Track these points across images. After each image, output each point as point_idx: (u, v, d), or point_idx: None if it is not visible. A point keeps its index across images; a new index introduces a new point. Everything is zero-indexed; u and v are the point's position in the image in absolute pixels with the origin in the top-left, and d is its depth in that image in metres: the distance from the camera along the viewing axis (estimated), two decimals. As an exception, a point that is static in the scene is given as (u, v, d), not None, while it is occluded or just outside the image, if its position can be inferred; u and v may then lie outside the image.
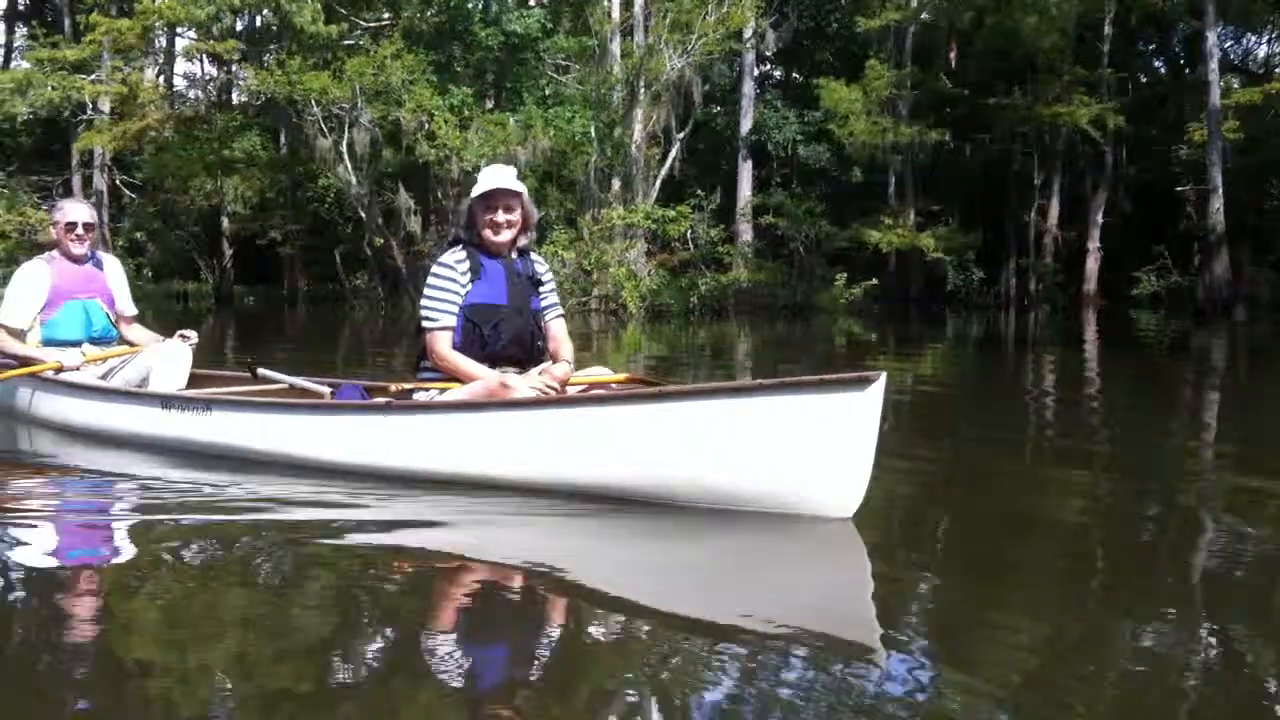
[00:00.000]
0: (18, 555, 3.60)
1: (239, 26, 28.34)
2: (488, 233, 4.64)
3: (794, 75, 33.41)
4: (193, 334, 6.18)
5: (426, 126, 23.81)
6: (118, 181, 29.43)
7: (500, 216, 4.63)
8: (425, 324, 4.67)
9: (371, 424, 4.63)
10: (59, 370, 5.91)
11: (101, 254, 6.55)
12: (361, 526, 4.05)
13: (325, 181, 26.53)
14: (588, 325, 20.24)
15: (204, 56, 30.89)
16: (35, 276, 6.12)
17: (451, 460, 4.42)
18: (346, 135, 24.72)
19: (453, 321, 4.60)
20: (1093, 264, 27.75)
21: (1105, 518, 4.30)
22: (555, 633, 2.96)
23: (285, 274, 30.23)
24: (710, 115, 29.18)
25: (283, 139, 27.12)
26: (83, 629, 2.94)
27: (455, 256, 4.65)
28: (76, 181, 30.59)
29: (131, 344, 6.36)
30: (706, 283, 25.04)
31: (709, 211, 26.70)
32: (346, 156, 24.84)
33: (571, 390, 4.65)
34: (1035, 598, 3.27)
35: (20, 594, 3.21)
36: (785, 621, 2.90)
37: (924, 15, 28.37)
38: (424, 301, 4.68)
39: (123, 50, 27.30)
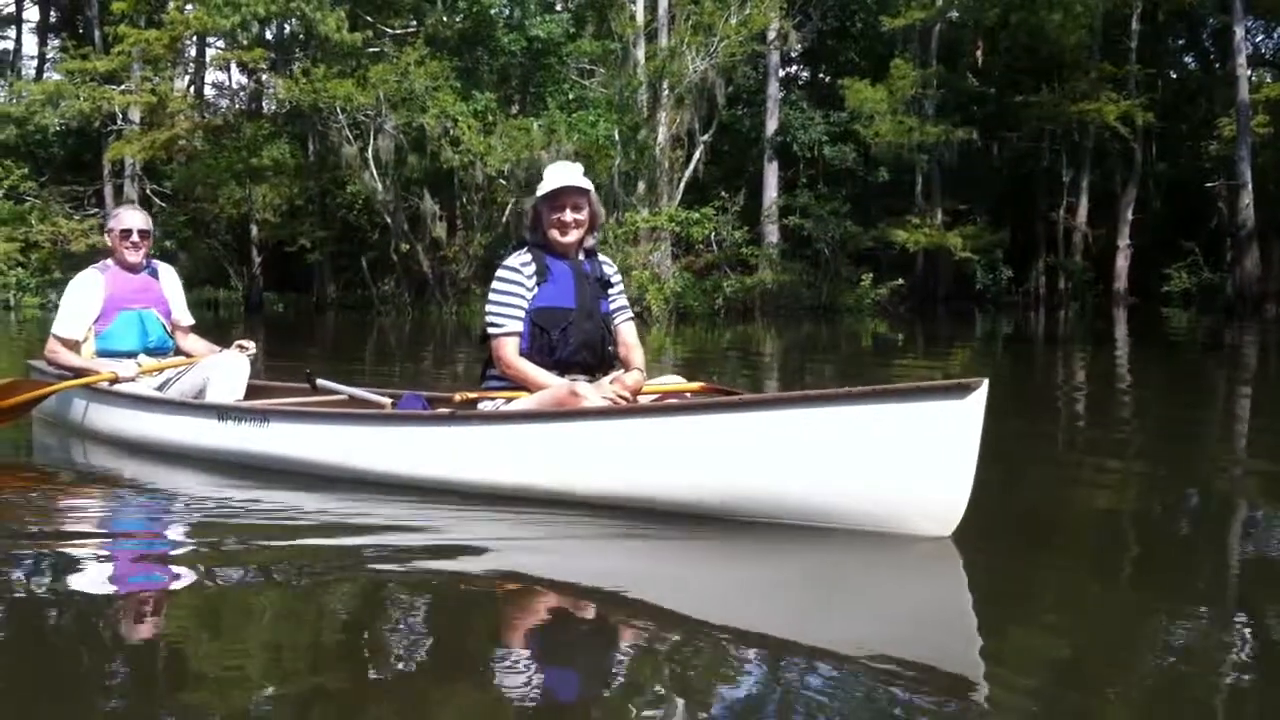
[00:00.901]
0: (70, 571, 3.51)
1: (268, 35, 28.58)
2: (554, 233, 4.44)
3: (820, 76, 33.32)
4: (251, 344, 6.01)
5: (451, 132, 23.90)
6: (148, 191, 29.70)
7: (568, 216, 4.43)
8: (490, 330, 4.46)
9: (434, 435, 4.42)
10: (114, 381, 5.73)
11: (157, 262, 6.35)
12: (424, 543, 3.86)
13: (353, 188, 26.68)
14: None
15: (232, 66, 31.16)
16: (89, 286, 5.96)
17: (519, 473, 4.20)
18: (371, 142, 24.84)
19: (519, 327, 4.40)
20: (1122, 261, 27.54)
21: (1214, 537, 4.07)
22: (629, 660, 2.79)
23: (314, 281, 30.41)
24: (735, 117, 29.14)
25: (311, 147, 27.28)
26: (134, 649, 2.85)
27: (520, 259, 4.45)
28: (108, 191, 30.90)
29: (188, 354, 6.20)
30: (731, 284, 25.00)
31: (733, 213, 26.66)
32: (371, 163, 24.97)
33: (644, 399, 4.45)
34: (1161, 637, 2.90)
35: (72, 611, 3.11)
36: (880, 651, 2.69)
37: (952, 14, 28.24)
38: (489, 307, 4.47)
39: (152, 60, 27.56)
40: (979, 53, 29.23)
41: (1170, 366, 12.06)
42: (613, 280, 4.66)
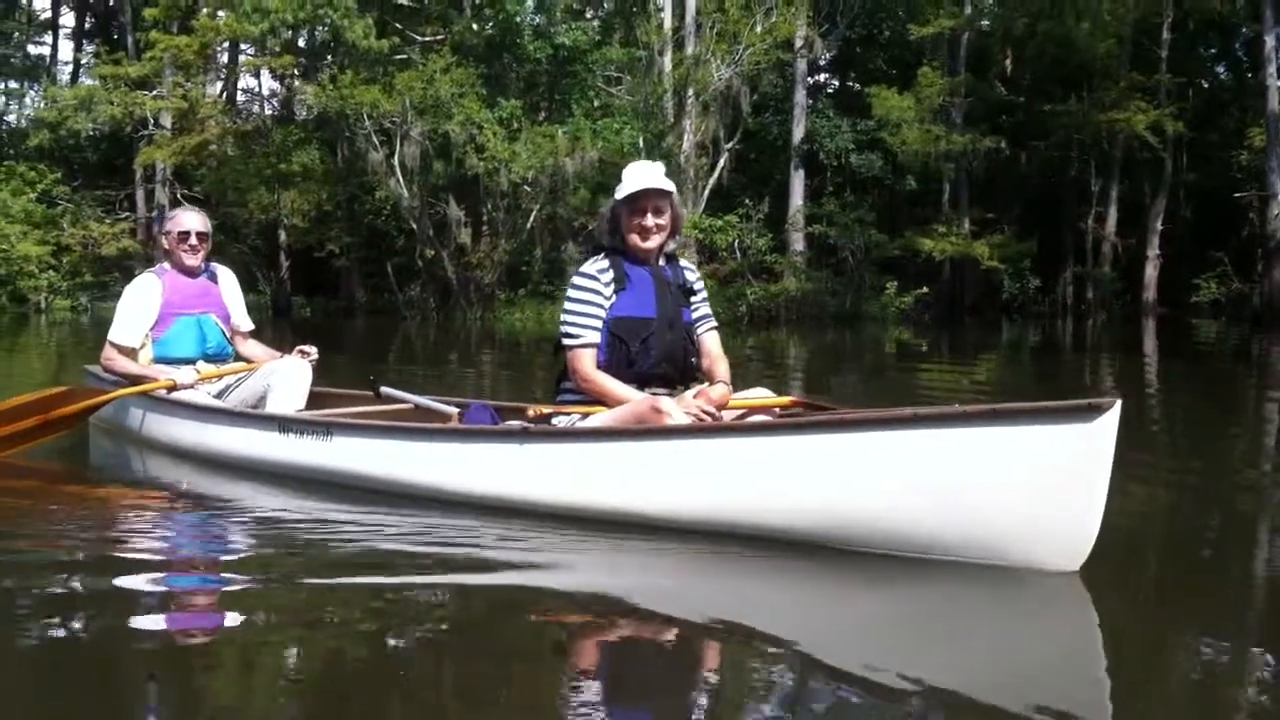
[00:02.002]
0: (124, 586, 3.41)
1: (301, 43, 28.79)
2: (634, 238, 4.20)
3: (848, 83, 33.24)
4: (313, 350, 5.81)
5: (476, 139, 24.00)
6: (179, 195, 29.93)
7: (649, 220, 4.19)
8: (566, 341, 4.23)
9: (506, 453, 4.17)
10: (172, 389, 5.58)
11: (216, 266, 6.17)
12: (493, 566, 3.67)
13: (381, 194, 26.81)
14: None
15: (262, 72, 31.40)
16: (146, 291, 5.79)
17: (596, 495, 3.97)
18: (398, 148, 24.98)
19: (596, 338, 4.17)
20: (1151, 271, 27.32)
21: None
22: (716, 699, 2.59)
23: (342, 286, 30.56)
24: (762, 125, 29.13)
25: (341, 153, 27.45)
26: (187, 668, 2.76)
27: (597, 265, 4.22)
28: (139, 196, 31.14)
29: (248, 361, 6.02)
30: (755, 292, 24.97)
31: (757, 221, 26.64)
32: (398, 169, 25.10)
33: (729, 415, 4.20)
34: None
35: (124, 624, 3.03)
36: (997, 700, 2.49)
37: (983, 23, 28.12)
38: (564, 316, 4.24)
39: (183, 66, 27.81)
40: (1008, 61, 29.10)
41: (1201, 377, 11.95)
42: (695, 287, 4.45)
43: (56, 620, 3.02)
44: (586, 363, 4.17)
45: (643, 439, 3.87)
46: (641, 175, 4.22)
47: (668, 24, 25.32)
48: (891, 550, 3.50)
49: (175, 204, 30.01)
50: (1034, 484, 3.27)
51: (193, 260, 5.86)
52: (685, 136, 24.73)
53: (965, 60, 27.94)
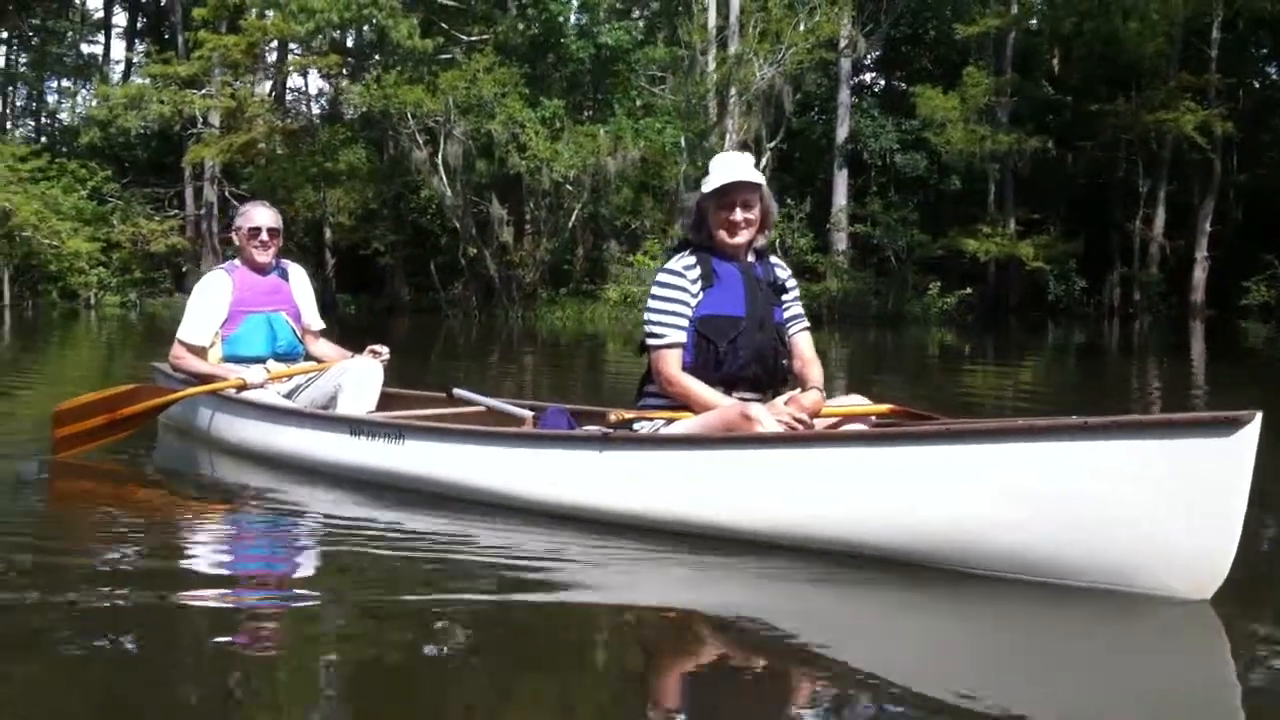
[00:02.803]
0: (187, 590, 3.36)
1: (349, 42, 29.07)
2: (722, 234, 3.98)
3: (893, 83, 33.09)
4: (384, 350, 5.65)
5: (519, 138, 24.13)
6: (227, 193, 30.30)
7: (738, 215, 3.96)
8: (650, 341, 4.01)
9: (585, 459, 3.99)
10: (241, 388, 5.45)
11: (287, 263, 6.01)
12: (568, 579, 3.52)
13: (426, 193, 27.02)
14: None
15: (310, 71, 31.70)
16: (216, 289, 5.67)
17: (680, 506, 3.77)
18: (441, 147, 25.15)
19: (682, 337, 3.96)
20: (1200, 273, 26.96)
21: None
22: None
23: (386, 283, 30.82)
24: (806, 124, 29.04)
25: (388, 151, 27.69)
26: (249, 674, 2.67)
27: (683, 262, 4.02)
28: (188, 193, 31.55)
29: (318, 360, 5.87)
30: (796, 292, 24.90)
31: (799, 220, 26.57)
32: (441, 168, 25.27)
33: (821, 423, 3.95)
34: None
35: (189, 630, 2.99)
36: None
37: (1031, 22, 27.87)
38: (648, 315, 4.03)
39: (231, 65, 28.15)
40: (1055, 61, 28.82)
41: (1248, 380, 11.80)
42: (787, 285, 4.21)
43: (120, 622, 3.00)
44: (672, 364, 3.96)
45: (732, 448, 3.66)
46: (730, 167, 4.00)
47: (712, 23, 25.31)
48: (1001, 572, 3.27)
49: (223, 202, 30.42)
50: (1163, 503, 3.01)
51: (263, 257, 5.72)
52: (727, 136, 24.70)
53: (1011, 59, 27.71)
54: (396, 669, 2.71)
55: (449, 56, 25.82)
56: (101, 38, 40.93)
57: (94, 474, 5.28)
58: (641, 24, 27.86)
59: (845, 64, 27.79)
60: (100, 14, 40.80)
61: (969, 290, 26.00)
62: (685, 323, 3.96)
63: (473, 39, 26.46)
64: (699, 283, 3.98)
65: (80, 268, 28.66)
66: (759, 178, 3.97)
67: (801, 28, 24.17)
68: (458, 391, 5.32)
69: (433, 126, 25.20)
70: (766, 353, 4.01)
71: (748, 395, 3.95)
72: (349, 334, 19.69)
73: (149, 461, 5.81)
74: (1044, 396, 9.86)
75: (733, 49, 24.85)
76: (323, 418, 5.10)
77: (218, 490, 5.10)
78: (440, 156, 25.22)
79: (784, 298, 4.17)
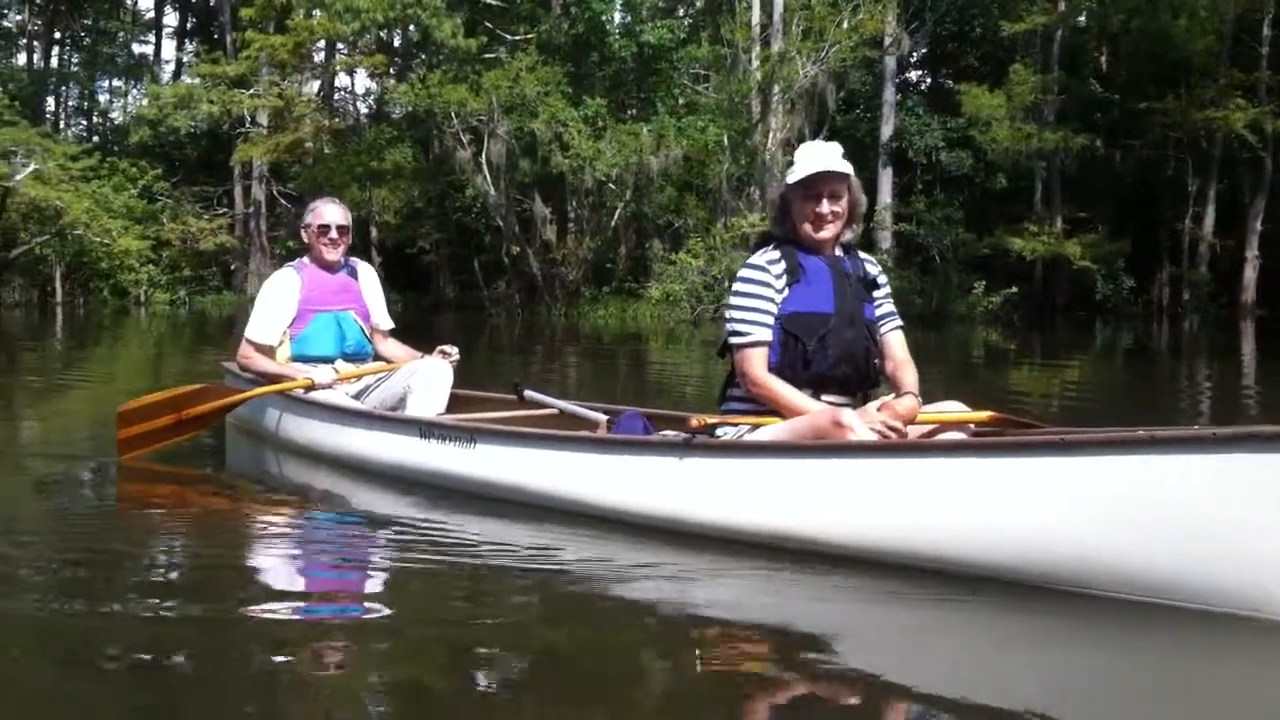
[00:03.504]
0: (250, 598, 3.29)
1: (396, 42, 29.30)
2: (807, 227, 3.80)
3: (939, 81, 32.87)
4: (454, 350, 5.55)
5: (562, 137, 24.23)
6: (275, 192, 30.65)
7: (825, 207, 3.77)
8: (733, 339, 3.81)
9: (665, 466, 3.79)
10: (309, 389, 5.36)
11: (356, 261, 5.90)
12: (644, 591, 3.38)
13: (471, 191, 27.20)
14: (719, 331, 20.32)
15: (358, 71, 31.98)
16: (284, 287, 5.58)
17: (764, 517, 3.57)
18: (485, 146, 25.30)
19: (768, 335, 3.76)
20: (1250, 273, 26.59)
21: None
22: None
23: (431, 281, 31.04)
24: (850, 121, 28.93)
25: (433, 150, 27.91)
26: (308, 688, 2.61)
27: (767, 256, 3.83)
28: (237, 192, 31.94)
29: (387, 360, 5.77)
30: (838, 290, 24.82)
31: (843, 219, 26.47)
32: (484, 167, 25.42)
33: (915, 430, 3.73)
34: None
35: (250, 640, 2.94)
36: None
37: (1080, 19, 27.57)
38: (731, 312, 3.84)
39: (278, 65, 28.47)
40: (1103, 58, 28.51)
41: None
42: (878, 281, 4.01)
43: (180, 629, 2.98)
44: (757, 364, 3.75)
45: (822, 457, 3.45)
46: (817, 156, 3.78)
47: (756, 21, 25.28)
48: (1115, 593, 3.05)
49: (271, 201, 30.75)
50: None
51: (333, 254, 5.62)
52: (770, 134, 24.66)
53: (1059, 57, 27.45)
54: (463, 686, 2.64)
55: (493, 56, 25.96)
56: (152, 38, 41.54)
57: (158, 475, 5.20)
58: (686, 22, 27.85)
59: (890, 62, 27.65)
60: (151, 14, 41.41)
61: (1014, 289, 25.78)
62: (770, 320, 3.76)
63: (516, 38, 26.59)
64: (784, 278, 3.78)
65: (130, 265, 29.08)
66: (847, 167, 3.78)
67: (845, 25, 24.08)
68: (529, 393, 5.23)
69: (476, 126, 25.36)
70: (857, 352, 3.80)
71: (836, 398, 3.78)
72: (395, 332, 19.88)
73: (215, 462, 5.76)
74: (1093, 397, 9.79)
75: (776, 47, 24.81)
76: (392, 420, 4.99)
77: (284, 493, 5.03)
78: (484, 155, 25.38)
79: (875, 294, 3.96)
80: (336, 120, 30.98)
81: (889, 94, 27.97)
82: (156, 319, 23.66)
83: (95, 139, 36.60)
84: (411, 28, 26.70)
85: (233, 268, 31.52)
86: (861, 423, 3.50)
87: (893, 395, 3.81)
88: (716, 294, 23.44)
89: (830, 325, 3.75)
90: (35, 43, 37.92)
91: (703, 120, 24.74)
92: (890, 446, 3.43)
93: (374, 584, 3.60)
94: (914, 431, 3.70)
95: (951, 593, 3.18)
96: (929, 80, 33.70)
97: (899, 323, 4.02)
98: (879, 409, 3.66)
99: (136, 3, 41.14)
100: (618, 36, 25.80)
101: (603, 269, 26.96)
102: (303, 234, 5.73)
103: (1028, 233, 26.13)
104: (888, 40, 26.44)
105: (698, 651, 2.88)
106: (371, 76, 31.00)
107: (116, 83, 40.33)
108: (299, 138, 28.63)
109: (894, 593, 3.25)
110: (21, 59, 38.15)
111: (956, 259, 26.83)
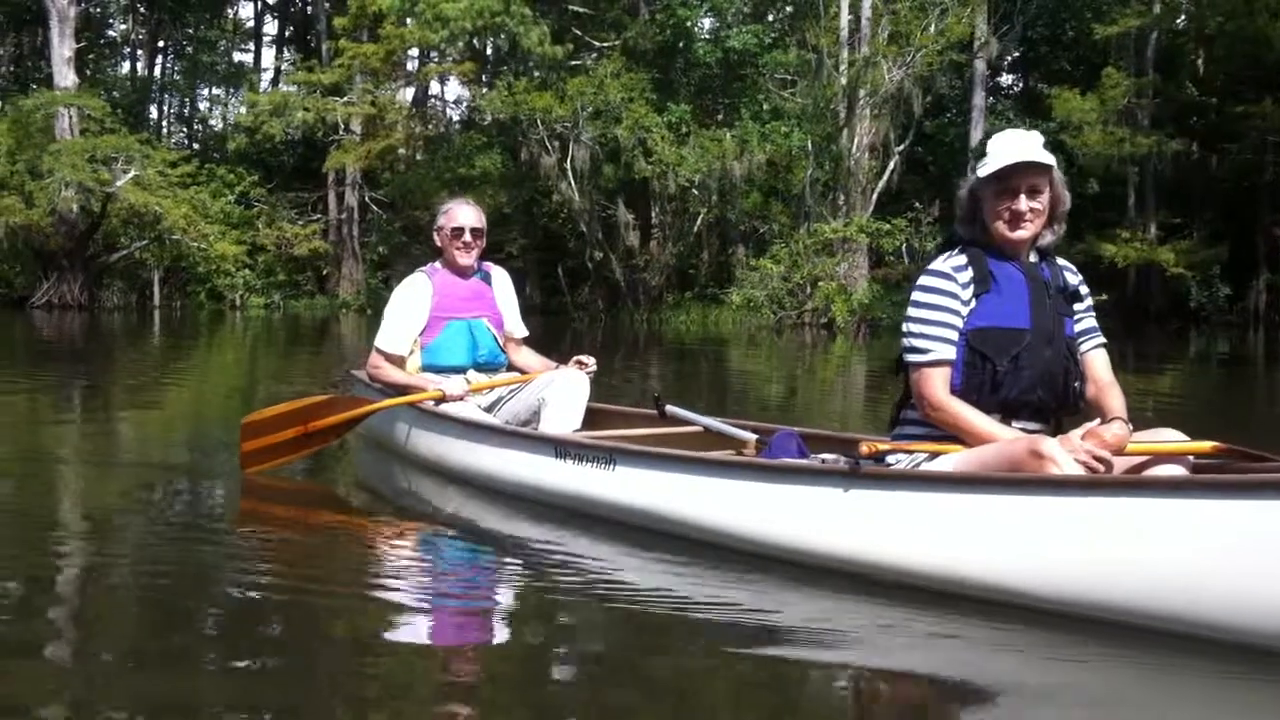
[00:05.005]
0: (371, 622, 3.16)
1: (489, 50, 29.74)
2: (1000, 226, 3.33)
3: (1031, 85, 32.39)
4: (591, 360, 5.30)
5: (646, 143, 24.39)
6: (367, 198, 31.25)
7: (1022, 204, 3.30)
8: (910, 356, 3.38)
9: (828, 498, 3.37)
10: (440, 400, 5.10)
11: (489, 266, 5.65)
12: (802, 636, 2.99)
13: (557, 197, 27.51)
14: (800, 338, 20.30)
15: (449, 78, 32.44)
16: (416, 294, 5.36)
17: (944, 559, 3.13)
18: (570, 152, 25.56)
19: (951, 353, 3.31)
20: (1352, 281, 25.76)
21: None
22: None
23: (518, 287, 31.34)
24: (939, 126, 28.65)
25: (521, 157, 28.29)
26: (433, 706, 2.53)
27: (952, 261, 3.38)
28: (331, 198, 32.64)
29: (521, 370, 5.51)
30: (924, 297, 24.64)
31: (928, 224, 26.24)
32: (569, 173, 25.68)
33: (1124, 461, 3.24)
34: None
35: (371, 652, 2.88)
36: None
37: (1178, 21, 26.96)
38: (908, 325, 3.39)
39: (371, 73, 29.05)
40: (1199, 61, 27.84)
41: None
42: (1080, 291, 3.53)
43: (298, 649, 2.93)
44: (937, 385, 3.31)
45: (1017, 491, 2.98)
46: (1012, 146, 3.33)
47: (844, 21, 25.16)
48: None
49: (363, 206, 31.36)
50: None
51: (466, 259, 5.38)
52: (856, 139, 24.55)
53: (1153, 60, 26.89)
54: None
55: (578, 63, 26.23)
56: (252, 46, 42.60)
57: (282, 490, 5.07)
58: (772, 27, 27.86)
59: (980, 65, 27.33)
60: (252, 23, 42.50)
61: (1105, 296, 25.28)
62: (955, 335, 3.32)
63: (604, 45, 26.82)
64: (971, 287, 3.33)
65: (227, 270, 29.73)
66: (1049, 158, 3.31)
67: (932, 29, 23.89)
68: (671, 409, 4.94)
69: (561, 132, 25.63)
70: (1056, 373, 3.33)
71: (1029, 425, 3.33)
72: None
73: (343, 475, 5.63)
74: (1187, 408, 9.60)
75: (862, 52, 24.70)
76: (526, 436, 4.71)
77: (411, 512, 4.84)
78: (569, 161, 25.64)
79: (1076, 306, 3.49)
80: (430, 128, 31.48)
81: (978, 98, 27.64)
82: (251, 322, 24.27)
83: (195, 146, 37.60)
84: (500, 36, 27.08)
85: (325, 273, 32.17)
86: (1065, 453, 3.04)
87: (1098, 421, 3.34)
88: (799, 300, 23.39)
89: (1025, 343, 3.30)
90: (139, 52, 39.22)
91: (787, 125, 24.72)
92: (1102, 483, 2.94)
93: (500, 617, 3.36)
94: (1121, 464, 3.24)
95: (1183, 657, 2.74)
96: (1020, 85, 33.22)
97: (1101, 339, 3.57)
98: (1083, 436, 3.22)
99: (237, 12, 42.33)
100: (703, 42, 25.90)
101: (685, 274, 27.06)
102: (435, 237, 5.52)
103: (1120, 239, 25.64)
104: (976, 44, 26.15)
105: (860, 703, 2.58)
106: (463, 84, 31.47)
107: (216, 91, 41.51)
108: (390, 144, 29.16)
109: (1106, 655, 2.79)
110: (125, 67, 39.49)
111: (1046, 266, 26.38)
